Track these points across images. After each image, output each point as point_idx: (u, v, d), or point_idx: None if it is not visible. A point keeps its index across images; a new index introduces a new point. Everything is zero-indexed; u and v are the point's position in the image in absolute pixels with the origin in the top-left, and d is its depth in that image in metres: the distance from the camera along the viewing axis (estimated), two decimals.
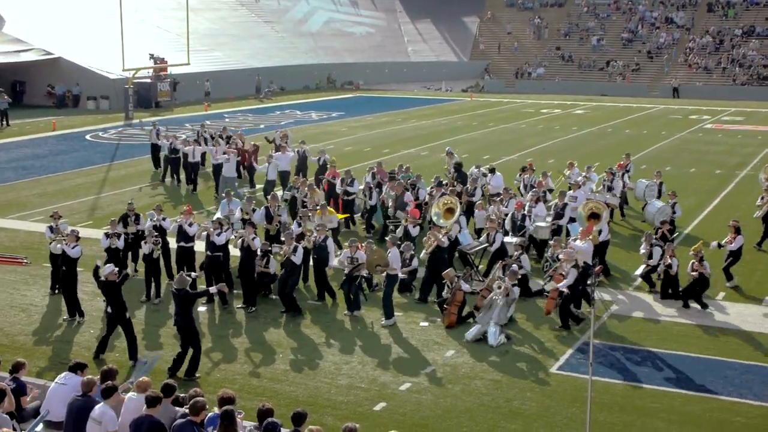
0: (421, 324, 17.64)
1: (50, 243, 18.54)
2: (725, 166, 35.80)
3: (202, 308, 18.28)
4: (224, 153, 28.84)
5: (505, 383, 14.80)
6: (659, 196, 24.66)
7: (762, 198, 23.22)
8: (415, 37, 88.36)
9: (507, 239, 20.23)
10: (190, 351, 14.91)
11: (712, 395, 14.33)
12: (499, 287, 16.86)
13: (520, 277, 17.82)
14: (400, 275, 18.18)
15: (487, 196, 24.49)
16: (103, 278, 15.58)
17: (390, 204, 22.99)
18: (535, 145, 42.14)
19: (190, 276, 15.39)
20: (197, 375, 14.91)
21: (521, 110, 59.75)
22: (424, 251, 19.04)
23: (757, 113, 57.62)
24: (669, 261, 18.73)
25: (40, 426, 10.94)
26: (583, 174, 25.16)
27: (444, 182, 24.27)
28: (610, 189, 24.21)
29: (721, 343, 16.63)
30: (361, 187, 24.62)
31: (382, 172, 25.15)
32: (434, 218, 20.09)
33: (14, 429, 10.59)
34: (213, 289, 16.36)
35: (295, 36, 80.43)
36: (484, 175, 25.23)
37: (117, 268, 15.96)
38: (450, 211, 20.22)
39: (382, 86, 76.73)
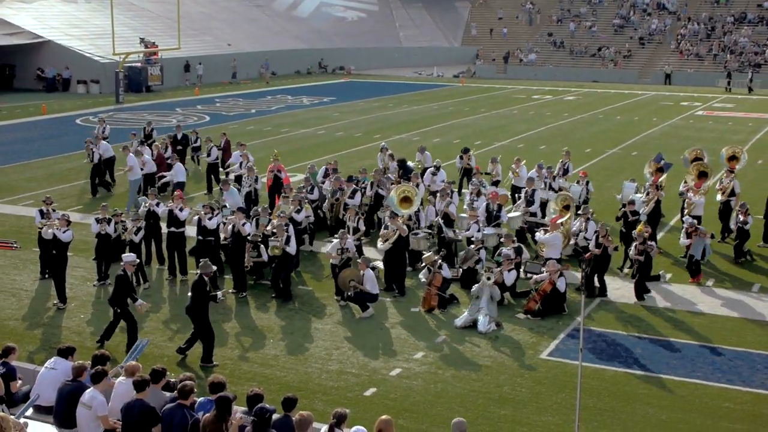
0: (412, 309, 17.66)
1: (41, 228, 18.48)
2: (715, 153, 35.67)
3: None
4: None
5: (495, 369, 14.84)
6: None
7: (647, 194, 22.01)
8: (406, 22, 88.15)
9: (487, 231, 20.15)
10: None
11: (700, 381, 14.40)
12: (489, 278, 16.86)
13: (514, 264, 17.93)
14: (377, 291, 17.82)
15: (427, 192, 23.59)
16: (122, 264, 15.53)
17: (328, 198, 22.33)
18: (526, 131, 42.15)
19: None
20: (214, 362, 14.87)
21: (512, 96, 59.71)
22: (385, 242, 18.73)
23: (747, 100, 57.73)
24: (606, 242, 18.40)
25: (30, 410, 10.94)
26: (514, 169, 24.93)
27: (354, 177, 23.31)
28: (551, 188, 23.42)
29: (710, 330, 16.69)
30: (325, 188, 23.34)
31: (332, 165, 24.40)
32: (391, 207, 19.86)
33: (4, 413, 10.57)
34: (220, 294, 15.93)
35: (287, 20, 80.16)
36: (433, 173, 24.25)
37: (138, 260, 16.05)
38: (406, 200, 20.04)
39: (373, 71, 76.55)
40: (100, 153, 27.61)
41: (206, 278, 14.87)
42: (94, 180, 27.65)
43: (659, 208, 21.91)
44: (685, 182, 23.03)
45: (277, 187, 23.69)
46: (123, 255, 16.24)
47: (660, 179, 22.76)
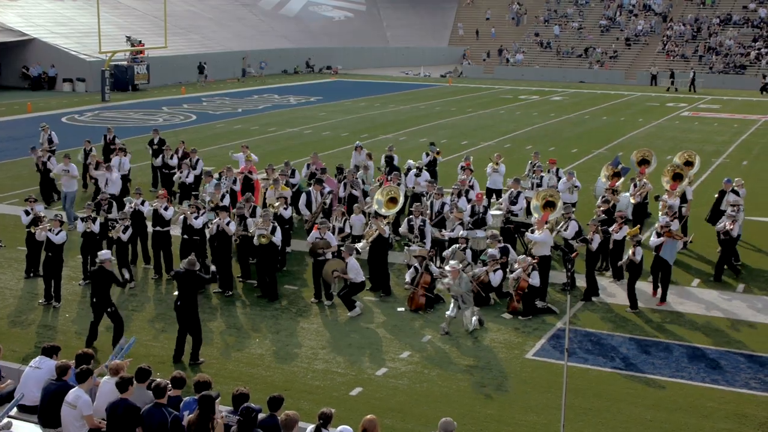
0: (398, 309, 17.67)
1: (33, 231, 18.34)
2: (701, 153, 35.74)
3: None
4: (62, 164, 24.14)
5: (481, 369, 14.87)
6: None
7: (603, 198, 21.38)
8: (393, 22, 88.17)
9: (479, 234, 20.13)
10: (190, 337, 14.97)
11: (685, 381, 14.47)
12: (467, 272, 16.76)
13: (500, 264, 17.94)
14: (362, 279, 17.74)
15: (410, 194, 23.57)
16: (98, 261, 15.47)
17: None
18: (513, 131, 42.25)
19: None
20: (200, 360, 14.90)
21: (499, 96, 59.82)
22: (364, 241, 18.78)
23: (733, 101, 58.01)
24: (591, 236, 18.35)
25: (14, 410, 10.88)
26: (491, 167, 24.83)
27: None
28: (539, 185, 23.15)
29: (695, 330, 16.77)
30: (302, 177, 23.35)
31: (318, 162, 24.39)
32: (375, 207, 19.94)
33: None
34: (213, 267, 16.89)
35: (274, 19, 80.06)
36: (416, 175, 24.11)
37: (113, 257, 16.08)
38: (392, 200, 20.04)
39: (360, 71, 76.56)
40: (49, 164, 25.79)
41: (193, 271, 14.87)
42: (46, 187, 26.14)
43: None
44: (635, 185, 22.70)
45: (247, 188, 23.50)
46: (99, 253, 15.96)
47: (617, 183, 22.67)
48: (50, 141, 28.67)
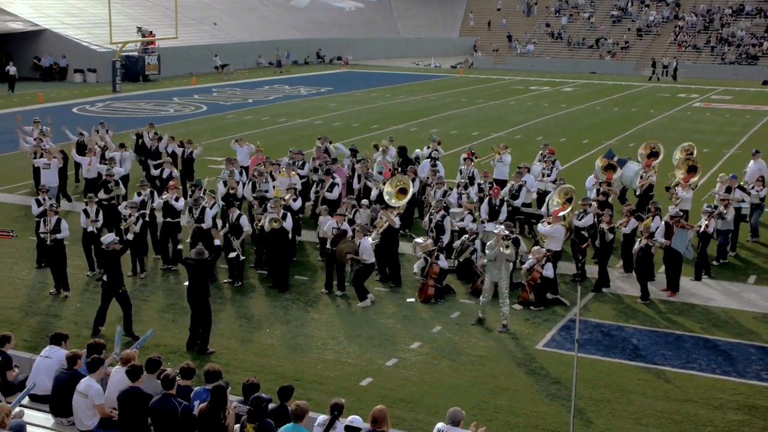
0: (408, 300, 17.67)
1: (37, 217, 18.35)
2: (712, 144, 35.91)
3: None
4: (42, 156, 24.01)
5: (490, 359, 14.86)
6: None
7: (598, 190, 20.80)
8: (404, 13, 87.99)
9: (498, 228, 20.02)
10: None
11: (696, 372, 14.43)
12: (507, 246, 16.48)
13: (511, 238, 17.70)
14: (373, 260, 17.78)
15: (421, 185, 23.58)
16: (104, 247, 15.50)
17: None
18: (523, 122, 42.14)
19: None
20: (210, 349, 14.91)
21: (510, 87, 59.67)
22: (375, 232, 18.74)
23: (745, 92, 57.72)
24: (605, 227, 18.29)
25: (26, 399, 10.94)
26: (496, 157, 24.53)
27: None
28: (548, 176, 23.03)
29: (705, 321, 16.73)
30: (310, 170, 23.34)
31: (323, 157, 24.16)
32: (386, 198, 19.96)
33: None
34: (232, 254, 17.02)
35: (284, 10, 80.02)
36: (418, 162, 24.11)
37: (119, 238, 16.07)
38: (402, 191, 20.05)
39: (371, 61, 76.46)
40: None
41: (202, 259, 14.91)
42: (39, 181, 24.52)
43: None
44: (641, 177, 22.59)
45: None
46: (103, 239, 15.87)
47: (613, 177, 22.42)
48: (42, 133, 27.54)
